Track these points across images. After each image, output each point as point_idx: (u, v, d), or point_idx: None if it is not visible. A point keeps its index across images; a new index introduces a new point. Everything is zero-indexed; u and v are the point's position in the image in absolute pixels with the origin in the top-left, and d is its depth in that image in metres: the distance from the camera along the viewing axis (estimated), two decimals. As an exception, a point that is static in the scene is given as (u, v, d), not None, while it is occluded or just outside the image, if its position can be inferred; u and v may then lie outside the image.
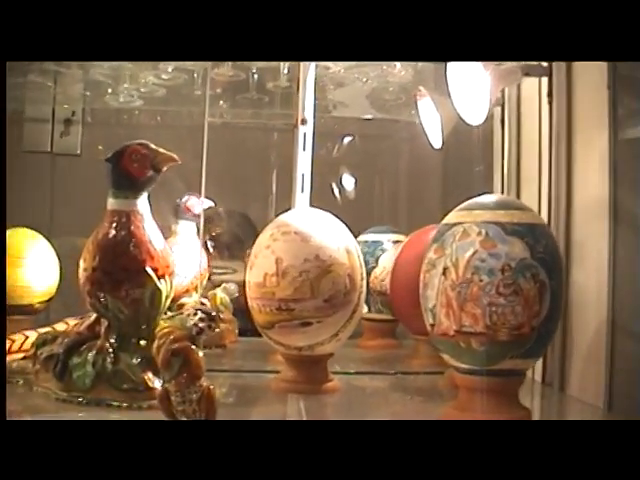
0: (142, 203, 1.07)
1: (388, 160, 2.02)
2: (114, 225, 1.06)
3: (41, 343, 1.14)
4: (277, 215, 1.95)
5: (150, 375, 1.03)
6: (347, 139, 1.97)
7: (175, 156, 1.06)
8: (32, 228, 1.61)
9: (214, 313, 0.94)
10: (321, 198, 1.51)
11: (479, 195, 1.01)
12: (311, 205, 1.44)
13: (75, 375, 1.05)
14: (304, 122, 1.37)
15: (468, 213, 0.98)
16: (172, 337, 0.87)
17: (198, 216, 1.49)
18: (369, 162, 2.01)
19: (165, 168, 1.06)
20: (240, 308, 1.42)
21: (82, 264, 1.07)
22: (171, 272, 1.08)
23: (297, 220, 1.17)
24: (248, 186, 1.96)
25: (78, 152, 1.88)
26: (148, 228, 1.07)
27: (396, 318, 1.55)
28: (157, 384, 1.02)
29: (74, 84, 1.77)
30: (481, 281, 0.92)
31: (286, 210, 1.41)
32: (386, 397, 1.24)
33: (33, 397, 1.09)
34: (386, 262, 1.58)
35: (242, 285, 1.29)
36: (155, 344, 0.97)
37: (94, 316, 1.13)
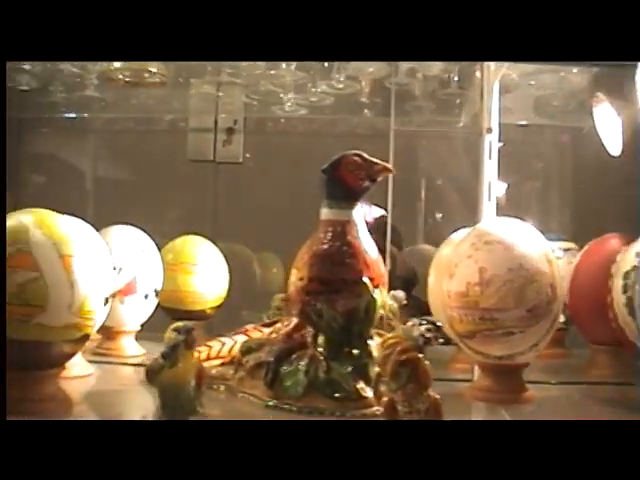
0: (356, 213, 1.09)
1: (538, 167, 1.99)
2: (329, 235, 1.07)
3: (246, 350, 1.16)
4: (426, 223, 1.97)
5: (362, 384, 1.04)
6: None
7: (390, 166, 1.06)
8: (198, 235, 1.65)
9: (439, 323, 0.95)
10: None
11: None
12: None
13: (286, 383, 1.07)
14: (489, 131, 1.36)
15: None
16: (400, 348, 0.87)
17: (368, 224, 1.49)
18: (519, 169, 1.99)
19: (380, 178, 1.07)
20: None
21: (296, 274, 1.09)
22: (384, 282, 1.08)
23: (498, 229, 1.15)
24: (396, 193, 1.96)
25: (240, 160, 1.91)
26: (363, 238, 1.08)
27: (570, 327, 1.52)
28: (369, 393, 1.04)
29: (239, 93, 1.80)
30: None
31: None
32: (585, 408, 1.21)
33: (237, 403, 1.11)
34: (558, 270, 1.54)
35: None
36: (381, 355, 0.98)
37: (293, 323, 1.14)
